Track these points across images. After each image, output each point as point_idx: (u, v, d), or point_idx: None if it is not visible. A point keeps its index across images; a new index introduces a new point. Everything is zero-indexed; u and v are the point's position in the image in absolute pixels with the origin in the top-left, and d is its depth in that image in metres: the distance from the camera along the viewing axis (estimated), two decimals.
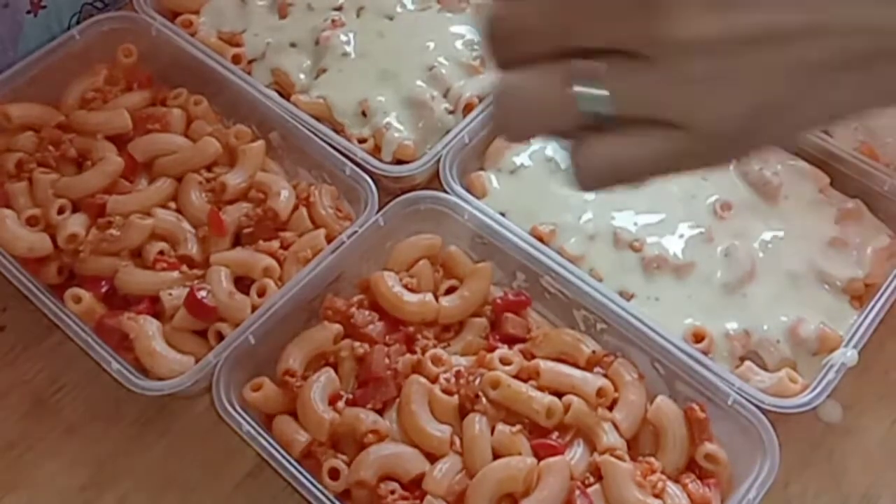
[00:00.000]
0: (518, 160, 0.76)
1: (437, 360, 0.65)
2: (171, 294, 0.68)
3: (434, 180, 0.75)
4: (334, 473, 0.61)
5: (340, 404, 0.63)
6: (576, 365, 0.65)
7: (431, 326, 0.68)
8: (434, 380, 0.64)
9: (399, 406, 0.63)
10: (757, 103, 0.33)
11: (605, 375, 0.64)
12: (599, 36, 0.34)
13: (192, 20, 0.85)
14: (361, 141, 0.78)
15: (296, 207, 0.73)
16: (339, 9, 0.85)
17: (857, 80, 0.33)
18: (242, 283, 0.70)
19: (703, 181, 0.75)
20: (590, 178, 0.37)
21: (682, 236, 0.72)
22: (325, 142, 0.75)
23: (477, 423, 0.62)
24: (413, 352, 0.66)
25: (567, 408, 0.62)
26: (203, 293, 0.67)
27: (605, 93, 0.34)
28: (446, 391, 0.63)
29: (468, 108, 0.79)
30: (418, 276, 0.70)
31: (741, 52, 0.32)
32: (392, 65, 0.81)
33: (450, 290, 0.70)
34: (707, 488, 0.61)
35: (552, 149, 0.77)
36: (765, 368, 0.67)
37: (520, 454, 0.61)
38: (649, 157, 0.36)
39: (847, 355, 0.64)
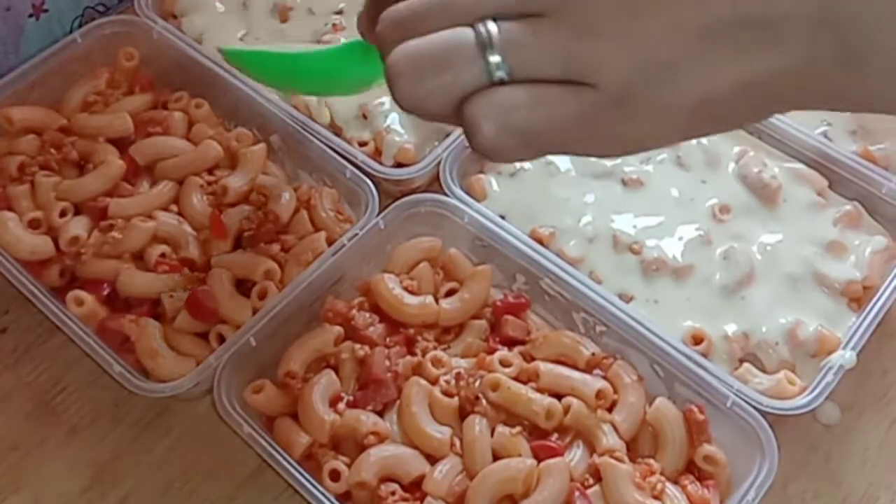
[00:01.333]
0: (518, 163, 0.77)
1: (437, 362, 0.65)
2: (172, 296, 0.68)
3: (434, 183, 0.75)
4: (335, 475, 0.61)
5: (341, 406, 0.63)
6: (575, 367, 0.65)
7: (432, 328, 0.68)
8: (434, 381, 0.64)
9: (399, 408, 0.63)
10: (658, 59, 0.33)
11: (605, 377, 0.64)
12: (488, 4, 0.34)
13: None
14: (362, 144, 0.78)
15: (297, 210, 0.74)
16: (339, 13, 0.85)
17: (747, 46, 0.33)
18: (243, 285, 0.70)
19: (702, 184, 0.75)
20: (498, 139, 0.35)
21: (681, 239, 0.72)
22: (325, 145, 0.76)
23: (477, 425, 0.62)
24: (413, 354, 0.66)
25: (567, 409, 0.63)
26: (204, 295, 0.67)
27: (497, 58, 0.34)
28: (446, 393, 0.64)
29: None
30: (419, 278, 0.70)
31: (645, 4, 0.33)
32: None
33: (450, 293, 0.70)
34: (706, 489, 0.61)
35: None
36: (763, 370, 0.67)
37: (520, 455, 0.61)
38: (558, 116, 0.34)
39: (845, 357, 0.65)
